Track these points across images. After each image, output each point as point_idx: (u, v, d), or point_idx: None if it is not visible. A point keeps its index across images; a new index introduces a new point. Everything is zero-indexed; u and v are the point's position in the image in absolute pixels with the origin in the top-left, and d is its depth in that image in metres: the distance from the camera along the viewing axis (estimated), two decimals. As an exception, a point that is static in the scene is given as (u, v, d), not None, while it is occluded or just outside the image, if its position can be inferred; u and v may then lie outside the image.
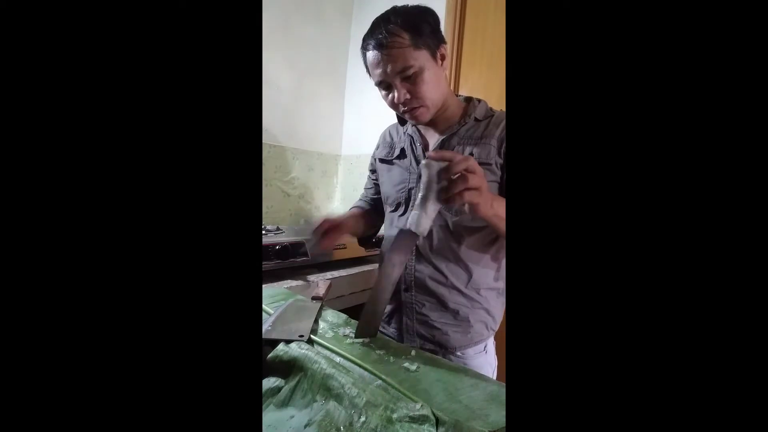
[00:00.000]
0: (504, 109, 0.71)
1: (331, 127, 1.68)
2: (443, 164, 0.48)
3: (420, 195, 0.50)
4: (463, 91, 1.35)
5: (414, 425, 0.34)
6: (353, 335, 0.53)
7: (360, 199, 0.92)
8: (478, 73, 1.33)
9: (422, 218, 0.49)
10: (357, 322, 0.57)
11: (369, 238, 0.87)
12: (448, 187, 0.47)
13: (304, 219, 0.60)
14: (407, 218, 0.52)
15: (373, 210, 0.88)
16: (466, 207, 0.51)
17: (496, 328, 0.73)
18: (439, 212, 0.67)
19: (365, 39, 0.62)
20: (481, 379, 0.45)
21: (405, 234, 0.51)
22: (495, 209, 0.53)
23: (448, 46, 1.34)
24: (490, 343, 0.73)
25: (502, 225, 0.55)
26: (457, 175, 0.47)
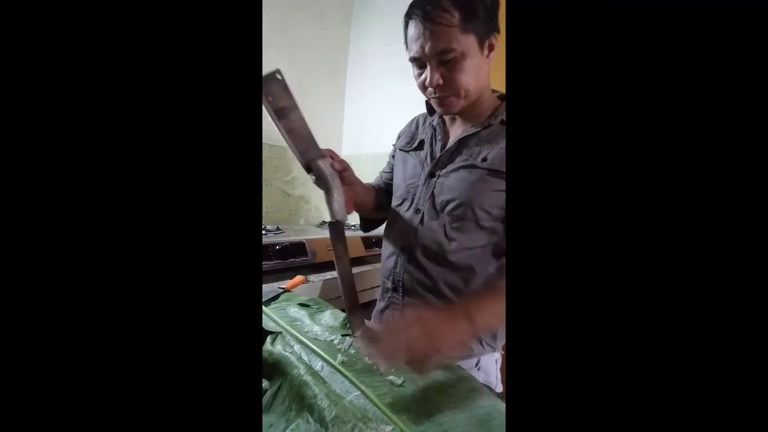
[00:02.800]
0: None
1: (331, 127, 1.68)
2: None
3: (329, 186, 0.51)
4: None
5: None
6: (344, 336, 0.52)
7: (375, 181, 0.85)
8: (478, 72, 1.33)
9: (339, 205, 0.51)
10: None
11: (372, 222, 0.81)
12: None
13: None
14: (333, 209, 0.52)
15: (385, 192, 0.81)
16: None
17: (496, 345, 0.65)
18: (438, 217, 0.63)
19: (412, 5, 0.56)
20: (471, 398, 0.41)
21: (331, 226, 0.52)
22: (477, 325, 0.47)
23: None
24: (486, 361, 0.66)
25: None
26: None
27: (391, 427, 0.34)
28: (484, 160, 0.60)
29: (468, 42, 0.55)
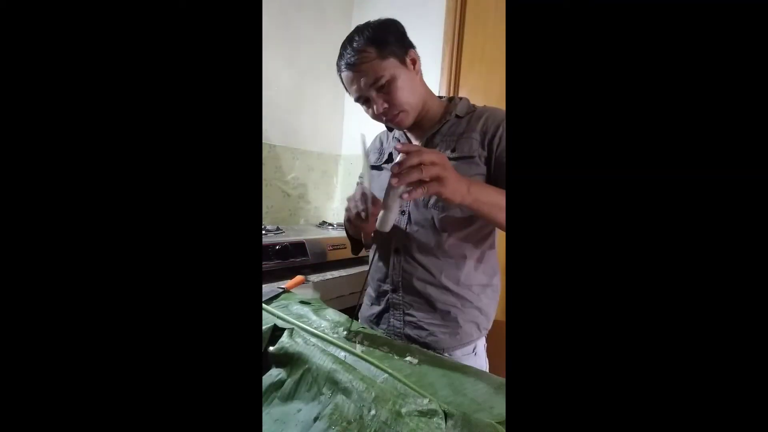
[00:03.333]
0: (498, 107, 0.71)
1: (331, 127, 1.68)
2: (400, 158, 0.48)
3: (386, 193, 0.52)
4: (463, 91, 1.35)
5: (423, 419, 0.34)
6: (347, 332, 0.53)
7: None
8: (478, 73, 1.33)
9: (386, 215, 0.52)
10: (357, 322, 0.57)
11: (361, 245, 0.86)
12: (401, 180, 0.46)
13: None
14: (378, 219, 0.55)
15: None
16: (439, 198, 0.51)
17: (489, 327, 0.71)
18: (425, 209, 0.67)
19: (338, 63, 0.65)
20: (482, 374, 0.45)
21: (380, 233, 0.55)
22: (474, 195, 0.51)
23: (448, 46, 1.34)
24: (480, 345, 0.71)
25: (487, 210, 0.53)
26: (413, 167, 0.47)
27: (428, 400, 0.37)
28: (453, 150, 0.66)
29: (391, 66, 0.62)
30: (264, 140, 1.36)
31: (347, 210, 0.64)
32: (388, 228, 0.53)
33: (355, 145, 1.68)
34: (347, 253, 1.13)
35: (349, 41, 0.63)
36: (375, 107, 0.64)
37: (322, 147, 1.63)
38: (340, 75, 0.66)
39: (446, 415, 0.35)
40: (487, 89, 1.30)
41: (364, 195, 0.61)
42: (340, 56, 0.64)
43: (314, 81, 1.56)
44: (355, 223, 0.63)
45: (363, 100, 0.66)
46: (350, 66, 0.62)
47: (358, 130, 1.66)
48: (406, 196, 0.48)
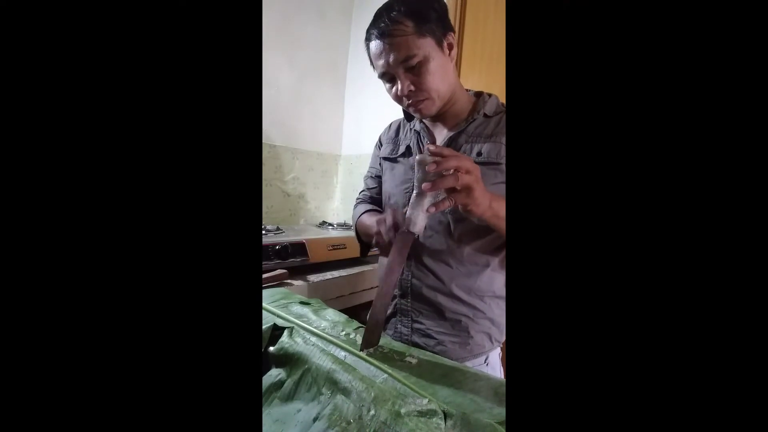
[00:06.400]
0: None
1: (331, 127, 1.68)
2: (435, 159, 0.45)
3: (414, 192, 0.49)
4: (463, 91, 1.35)
5: (422, 419, 0.34)
6: (357, 337, 0.53)
7: (363, 201, 0.83)
8: (478, 72, 1.33)
9: (417, 217, 0.48)
10: (357, 321, 0.57)
11: (369, 245, 0.81)
12: (434, 185, 0.44)
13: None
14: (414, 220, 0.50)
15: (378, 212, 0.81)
16: (461, 208, 0.48)
17: (502, 339, 0.67)
18: (440, 214, 0.63)
19: (368, 29, 0.60)
20: (482, 374, 0.45)
21: (401, 235, 0.50)
22: (495, 210, 0.49)
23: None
24: (493, 356, 0.68)
25: (503, 225, 0.52)
26: (447, 173, 0.45)
27: (427, 400, 0.37)
28: (479, 154, 0.62)
29: (427, 45, 0.57)
30: (264, 140, 1.36)
31: (377, 234, 0.57)
32: (421, 230, 0.49)
33: (355, 145, 1.68)
34: (347, 254, 1.13)
35: (386, 8, 0.57)
36: (400, 87, 0.59)
37: (322, 147, 1.63)
38: (367, 44, 0.61)
39: (445, 415, 0.35)
40: (486, 89, 1.29)
41: (395, 224, 0.54)
42: (373, 23, 0.58)
43: (314, 81, 1.56)
44: (383, 248, 0.56)
45: (388, 77, 0.61)
46: (382, 36, 0.56)
47: (358, 130, 1.67)
48: (432, 209, 0.46)
